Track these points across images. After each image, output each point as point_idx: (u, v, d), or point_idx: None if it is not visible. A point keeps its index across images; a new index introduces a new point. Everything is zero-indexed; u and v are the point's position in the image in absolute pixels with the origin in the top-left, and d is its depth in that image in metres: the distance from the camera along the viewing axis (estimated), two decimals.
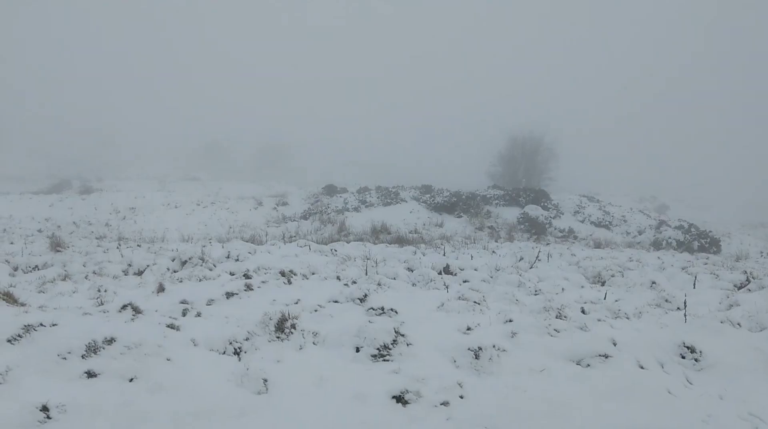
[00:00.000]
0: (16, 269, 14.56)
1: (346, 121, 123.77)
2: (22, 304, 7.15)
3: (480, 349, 6.54)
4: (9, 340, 5.84)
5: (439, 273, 13.55)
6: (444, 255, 17.61)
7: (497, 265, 14.89)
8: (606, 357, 6.78)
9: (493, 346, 6.66)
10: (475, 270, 14.23)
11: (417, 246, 20.67)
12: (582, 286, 13.22)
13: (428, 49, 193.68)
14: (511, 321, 8.03)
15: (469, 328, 7.56)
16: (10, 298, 7.10)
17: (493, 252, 19.46)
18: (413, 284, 12.15)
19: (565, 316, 8.59)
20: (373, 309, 8.45)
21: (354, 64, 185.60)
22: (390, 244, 22.36)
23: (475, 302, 9.06)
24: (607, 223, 36.01)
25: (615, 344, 7.14)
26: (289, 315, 7.08)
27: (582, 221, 36.40)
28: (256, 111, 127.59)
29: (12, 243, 20.84)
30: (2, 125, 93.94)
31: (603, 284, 13.90)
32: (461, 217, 34.28)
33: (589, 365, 6.68)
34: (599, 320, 8.58)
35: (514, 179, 67.60)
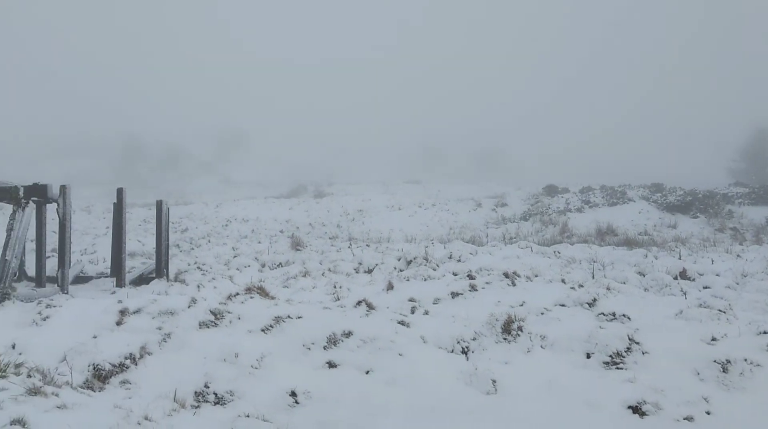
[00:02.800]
0: (263, 266, 16.43)
1: (564, 117, 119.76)
2: (272, 298, 8.06)
3: (728, 362, 5.95)
4: (263, 330, 6.64)
5: (675, 278, 12.54)
6: (679, 258, 16.24)
7: (744, 271, 13.37)
8: None
9: (745, 360, 6.02)
10: (717, 275, 12.92)
11: (648, 249, 19.30)
12: None
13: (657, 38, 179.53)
14: (765, 333, 7.18)
15: (713, 339, 6.91)
16: (262, 292, 8.05)
17: (738, 256, 17.45)
18: (645, 289, 11.43)
19: None
20: (603, 314, 8.11)
21: (571, 64, 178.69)
22: (617, 246, 21.19)
23: (719, 310, 8.24)
24: None
25: None
26: (515, 317, 7.09)
27: None
28: (470, 113, 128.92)
29: (260, 242, 23.53)
30: (250, 138, 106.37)
31: None
32: (697, 217, 31.26)
33: None
34: None
35: (761, 176, 59.76)
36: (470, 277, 12.08)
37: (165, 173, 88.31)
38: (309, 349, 6.22)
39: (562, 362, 6.33)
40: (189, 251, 21.27)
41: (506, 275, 11.83)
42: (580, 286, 11.12)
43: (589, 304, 8.96)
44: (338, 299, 10.13)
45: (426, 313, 8.44)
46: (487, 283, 11.21)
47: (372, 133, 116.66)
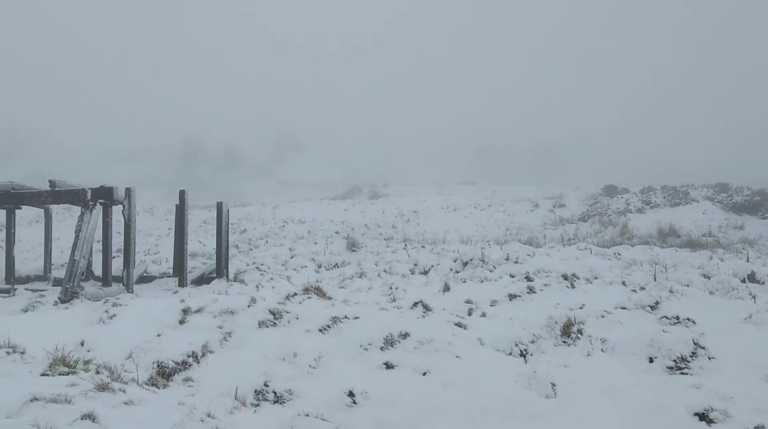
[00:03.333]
0: (320, 266, 16.61)
1: (624, 116, 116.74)
2: (329, 298, 8.13)
3: None
4: (320, 330, 6.71)
5: (743, 281, 12.05)
6: (747, 261, 15.61)
7: None
8: None
9: None
10: None
11: (713, 250, 18.62)
12: None
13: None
14: None
15: None
16: (320, 293, 8.14)
17: None
18: (710, 292, 11.03)
19: None
20: (667, 317, 7.87)
21: (631, 61, 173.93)
22: (680, 247, 20.52)
23: None
24: None
25: None
26: (574, 319, 6.96)
27: None
28: (527, 112, 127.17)
29: (316, 243, 23.80)
30: (306, 140, 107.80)
31: None
32: (767, 218, 30.01)
33: None
34: None
35: None
36: (528, 278, 11.92)
37: (224, 175, 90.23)
38: (366, 349, 6.24)
39: (624, 366, 6.18)
40: (247, 252, 21.69)
41: (565, 277, 11.63)
42: (642, 288, 10.83)
43: (652, 307, 8.72)
44: (394, 300, 10.14)
45: (483, 315, 8.36)
46: (545, 285, 11.04)
47: (427, 134, 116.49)
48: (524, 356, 6.44)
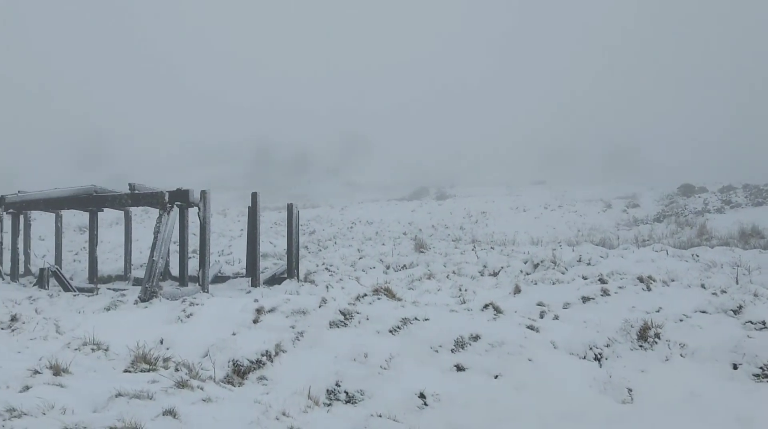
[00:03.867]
0: (388, 267, 16.67)
1: (702, 113, 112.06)
2: (399, 299, 8.13)
3: None
4: (391, 331, 6.72)
5: None
6: None
7: None
8: None
9: None
10: None
11: None
12: None
13: None
14: None
15: None
16: (389, 294, 8.16)
17: None
18: None
19: None
20: (752, 322, 7.48)
21: (706, 55, 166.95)
22: (764, 249, 19.52)
23: None
24: None
25: None
26: (651, 323, 6.71)
27: None
28: (598, 110, 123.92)
29: (383, 244, 23.90)
30: (373, 142, 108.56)
31: None
32: None
33: None
34: None
35: None
36: (602, 281, 11.59)
37: (293, 177, 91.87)
38: (436, 351, 6.21)
39: (705, 373, 5.91)
40: (317, 252, 22.00)
41: (640, 279, 11.25)
42: (723, 291, 10.35)
43: (734, 312, 8.31)
44: (464, 302, 10.06)
45: (556, 317, 8.19)
46: (620, 287, 10.71)
47: (495, 134, 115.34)
48: (599, 360, 6.26)
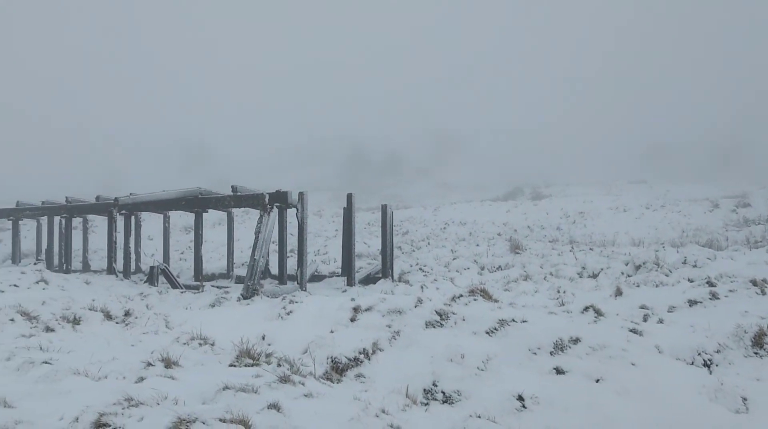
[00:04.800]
0: (483, 268, 16.50)
1: None
2: (495, 301, 8.04)
3: None
4: (487, 332, 6.65)
5: None
6: None
7: None
8: None
9: None
10: None
11: None
12: None
13: None
14: None
15: None
16: (486, 295, 8.08)
17: None
18: None
19: None
20: None
21: None
22: None
23: None
24: None
25: None
26: (767, 329, 6.30)
27: None
28: (702, 104, 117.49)
29: (478, 245, 23.67)
30: (465, 141, 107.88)
31: None
32: None
33: None
34: None
35: None
36: (710, 283, 11.00)
37: (385, 178, 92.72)
38: (535, 353, 6.10)
39: None
40: (410, 253, 22.08)
41: (754, 283, 10.58)
42: None
43: None
44: (562, 304, 9.82)
45: (660, 321, 7.84)
46: (730, 291, 10.13)
47: (592, 132, 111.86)
48: (708, 366, 5.94)
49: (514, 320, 6.80)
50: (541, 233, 31.77)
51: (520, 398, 5.16)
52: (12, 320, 9.19)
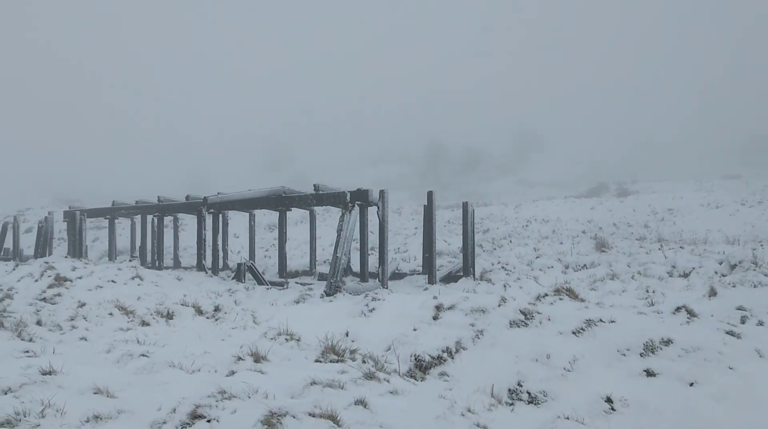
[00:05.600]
0: (567, 267, 16.14)
1: None
2: (582, 300, 7.85)
3: None
4: (574, 332, 6.51)
5: None
6: None
7: None
8: None
9: None
10: None
11: None
12: None
13: None
14: None
15: None
16: (571, 294, 7.90)
17: None
18: None
19: None
20: None
21: None
22: None
23: None
24: None
25: None
26: None
27: None
28: None
29: (561, 243, 23.18)
30: (547, 138, 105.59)
31: None
32: None
33: None
34: None
35: None
36: None
37: (464, 176, 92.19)
38: (624, 355, 5.91)
39: None
40: (491, 251, 21.87)
41: None
42: None
43: None
44: (652, 304, 9.47)
45: (760, 323, 7.45)
46: None
47: (681, 124, 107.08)
48: None
49: (601, 320, 6.63)
50: (627, 231, 30.72)
51: (609, 400, 5.02)
52: (111, 314, 9.74)
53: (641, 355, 5.87)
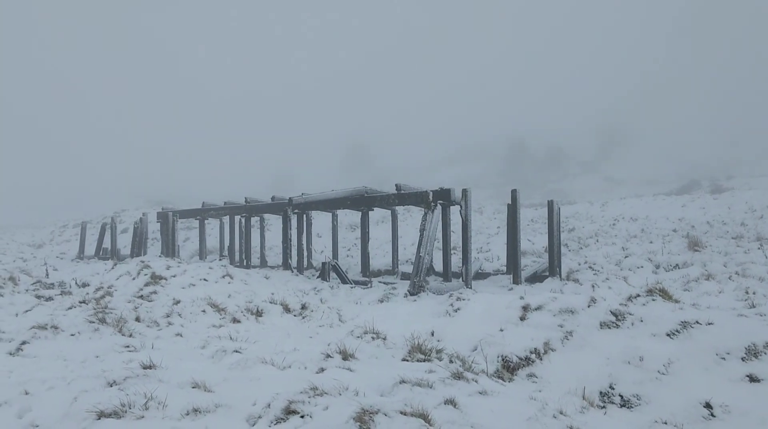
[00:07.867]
0: (658, 267, 15.54)
1: None
2: (676, 301, 7.54)
3: None
4: (668, 334, 6.27)
5: None
6: None
7: None
8: None
9: None
10: None
11: None
12: None
13: None
14: None
15: None
16: (665, 294, 7.60)
17: None
18: None
19: None
20: None
21: None
22: None
23: None
24: None
25: None
26: None
27: None
28: None
29: (651, 242, 22.34)
30: (633, 134, 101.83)
31: None
32: None
33: None
34: None
35: None
36: None
37: (547, 173, 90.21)
38: (723, 358, 5.65)
39: None
40: (577, 250, 21.33)
41: None
42: None
43: None
44: (753, 306, 8.98)
45: None
46: None
47: None
48: None
49: (698, 322, 6.35)
50: (722, 229, 29.18)
51: (708, 406, 4.83)
52: (203, 311, 10.15)
53: (743, 359, 5.60)
